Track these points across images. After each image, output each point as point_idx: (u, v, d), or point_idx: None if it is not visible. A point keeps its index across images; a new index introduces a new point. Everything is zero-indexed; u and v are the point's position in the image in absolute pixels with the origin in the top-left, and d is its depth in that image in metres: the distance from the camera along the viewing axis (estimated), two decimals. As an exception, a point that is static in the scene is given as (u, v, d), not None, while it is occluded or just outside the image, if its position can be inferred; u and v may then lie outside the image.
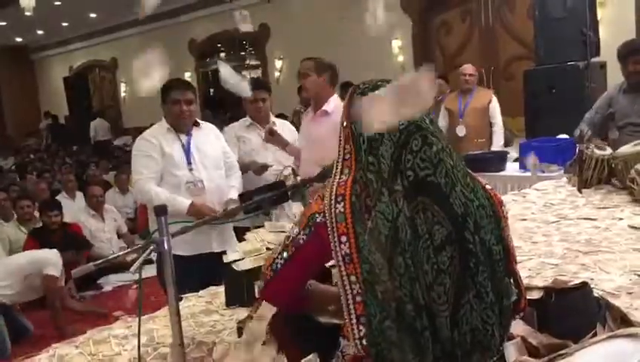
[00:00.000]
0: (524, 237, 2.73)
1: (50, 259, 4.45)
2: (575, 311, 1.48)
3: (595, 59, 5.71)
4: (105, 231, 6.37)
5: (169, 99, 3.21)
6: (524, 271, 2.23)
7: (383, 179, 1.32)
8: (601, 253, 2.39)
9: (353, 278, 1.30)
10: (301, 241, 1.40)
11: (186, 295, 2.34)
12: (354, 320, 1.31)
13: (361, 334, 1.30)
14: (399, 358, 1.26)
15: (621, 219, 2.87)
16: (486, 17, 9.23)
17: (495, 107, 5.77)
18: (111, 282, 5.76)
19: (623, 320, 1.67)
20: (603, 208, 3.12)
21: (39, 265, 4.40)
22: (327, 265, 1.59)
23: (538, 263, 2.33)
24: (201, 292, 2.38)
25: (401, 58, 10.17)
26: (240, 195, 1.90)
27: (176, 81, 3.40)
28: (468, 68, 5.92)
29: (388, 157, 1.32)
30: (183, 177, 3.15)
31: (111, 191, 7.56)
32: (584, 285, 1.56)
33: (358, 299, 1.30)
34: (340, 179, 1.38)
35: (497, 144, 5.69)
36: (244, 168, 3.63)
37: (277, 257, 1.43)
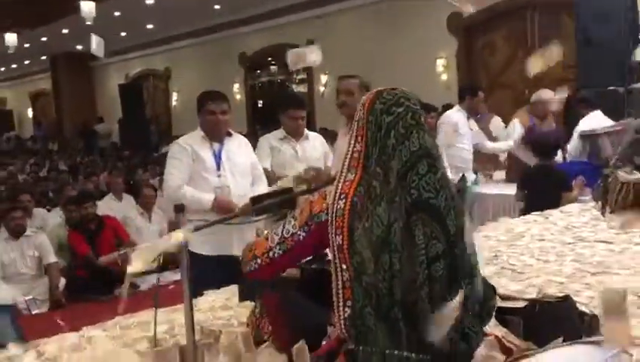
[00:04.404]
0: (536, 255, 2.79)
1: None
2: (558, 321, 1.57)
3: (636, 85, 5.68)
4: (150, 231, 6.62)
5: (205, 109, 3.42)
6: (529, 286, 2.32)
7: (387, 190, 1.46)
8: (608, 274, 2.44)
9: (344, 266, 1.47)
10: (301, 238, 1.59)
11: (208, 291, 2.51)
12: (341, 303, 1.48)
13: (346, 315, 1.47)
14: (373, 341, 1.42)
15: (637, 244, 2.90)
16: (531, 39, 9.21)
17: None
18: (148, 281, 6.01)
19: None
20: (623, 232, 3.14)
21: None
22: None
23: (545, 281, 2.40)
24: (221, 290, 2.56)
25: (445, 77, 10.23)
26: (251, 198, 2.06)
27: (212, 93, 3.58)
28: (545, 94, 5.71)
29: (395, 172, 1.46)
30: (212, 182, 3.36)
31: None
32: (566, 298, 1.65)
33: (347, 284, 1.47)
34: (346, 177, 1.53)
35: None
36: (274, 181, 3.74)
37: (274, 247, 1.62)
